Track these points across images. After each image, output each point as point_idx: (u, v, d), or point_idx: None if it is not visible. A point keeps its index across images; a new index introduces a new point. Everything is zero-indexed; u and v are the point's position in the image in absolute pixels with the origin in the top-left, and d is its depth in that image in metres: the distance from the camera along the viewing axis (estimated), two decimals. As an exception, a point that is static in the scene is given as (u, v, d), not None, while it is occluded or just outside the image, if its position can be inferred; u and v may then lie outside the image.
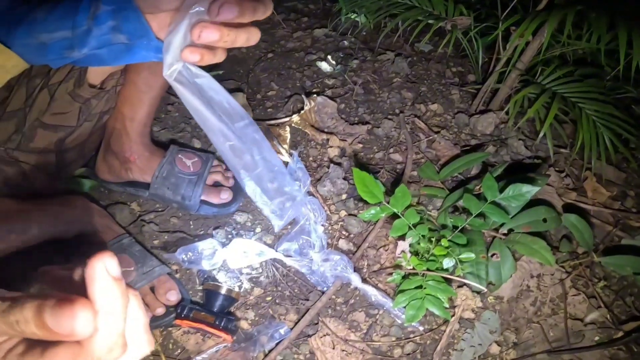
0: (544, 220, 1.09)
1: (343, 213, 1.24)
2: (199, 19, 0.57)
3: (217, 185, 1.25)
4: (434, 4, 1.59)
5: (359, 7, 1.76)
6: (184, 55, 0.59)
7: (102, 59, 0.70)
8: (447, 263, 1.02)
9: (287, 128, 1.44)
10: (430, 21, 1.55)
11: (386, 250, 1.17)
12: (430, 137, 1.44)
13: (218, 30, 0.56)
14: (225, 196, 1.22)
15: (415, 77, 1.67)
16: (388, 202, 1.04)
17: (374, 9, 1.68)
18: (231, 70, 1.63)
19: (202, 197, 1.20)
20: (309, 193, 1.25)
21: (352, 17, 1.81)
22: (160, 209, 1.23)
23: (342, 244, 1.19)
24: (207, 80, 0.67)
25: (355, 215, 1.23)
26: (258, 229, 1.22)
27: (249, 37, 0.60)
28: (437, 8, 1.58)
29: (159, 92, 1.12)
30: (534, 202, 1.12)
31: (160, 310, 1.02)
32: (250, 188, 1.02)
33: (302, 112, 1.47)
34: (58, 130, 1.02)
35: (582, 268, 1.19)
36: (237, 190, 1.25)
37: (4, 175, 0.99)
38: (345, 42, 1.80)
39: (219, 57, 0.61)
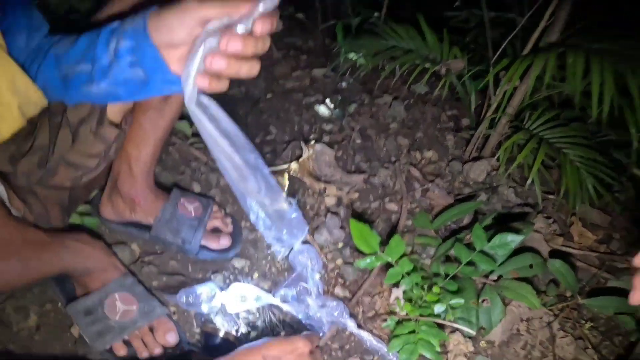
0: (531, 266, 1.22)
1: (339, 261, 1.37)
2: (211, 49, 0.71)
3: (216, 230, 1.35)
4: (430, 47, 1.72)
5: (358, 48, 1.87)
6: (197, 81, 0.72)
7: (119, 95, 0.80)
8: (439, 309, 1.15)
9: (285, 175, 1.57)
10: (426, 65, 1.69)
11: (381, 297, 1.29)
12: (425, 186, 1.58)
13: (226, 60, 0.71)
14: (225, 242, 1.33)
15: (411, 121, 1.81)
16: (383, 251, 1.17)
17: (372, 51, 1.80)
18: (230, 112, 1.72)
19: (202, 242, 1.30)
20: (306, 241, 1.37)
21: (351, 57, 1.91)
22: (159, 252, 1.33)
23: (338, 290, 1.31)
24: (216, 110, 0.80)
25: (351, 264, 1.35)
26: (256, 275, 1.33)
27: (251, 68, 0.74)
28: (433, 51, 1.72)
29: (164, 134, 1.20)
30: (521, 249, 1.26)
31: (158, 351, 1.11)
32: (254, 214, 1.13)
33: (301, 160, 1.60)
34: (79, 169, 1.10)
35: (569, 310, 1.32)
36: (236, 236, 1.36)
37: (29, 207, 1.07)
38: (344, 84, 1.91)
39: (223, 86, 0.75)
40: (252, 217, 1.14)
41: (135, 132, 1.18)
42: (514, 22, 1.60)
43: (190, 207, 1.33)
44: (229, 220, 1.39)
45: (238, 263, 1.35)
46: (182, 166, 1.55)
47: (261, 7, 0.68)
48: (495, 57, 1.57)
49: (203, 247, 1.32)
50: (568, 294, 1.34)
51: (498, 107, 1.57)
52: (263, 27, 0.70)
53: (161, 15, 0.72)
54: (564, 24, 1.41)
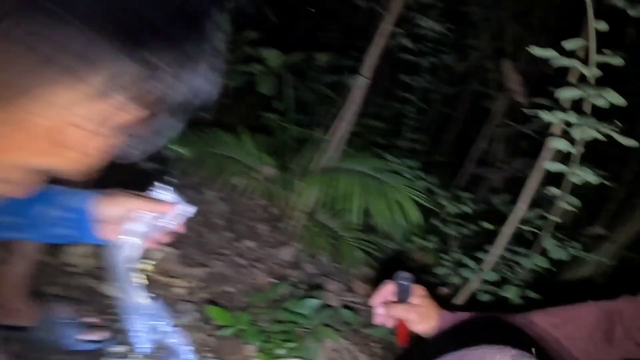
0: (330, 315, 1.92)
1: (202, 335, 1.88)
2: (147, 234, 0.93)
3: (93, 325, 1.60)
4: (249, 154, 2.34)
5: (186, 143, 2.30)
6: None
7: (39, 239, 0.95)
8: (281, 352, 1.76)
9: (141, 276, 2.03)
10: (246, 174, 2.31)
11: (240, 353, 1.84)
12: (250, 271, 2.17)
13: (160, 248, 1.03)
14: (103, 334, 1.59)
15: (233, 214, 2.39)
16: (236, 322, 1.75)
17: (197, 149, 2.29)
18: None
19: (82, 337, 1.55)
20: (173, 325, 1.86)
21: (177, 149, 2.31)
22: (39, 350, 1.50)
23: (207, 355, 1.82)
24: None
25: (213, 335, 1.88)
26: (140, 356, 1.76)
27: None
28: (252, 158, 2.35)
29: (43, 247, 1.40)
30: (324, 305, 1.95)
31: None
32: (133, 322, 1.55)
33: (153, 262, 2.08)
34: None
35: (362, 339, 2.02)
36: (113, 327, 1.66)
37: None
38: (173, 180, 2.35)
39: None
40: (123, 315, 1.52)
41: (16, 246, 1.33)
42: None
43: (65, 310, 1.58)
44: (102, 316, 1.69)
45: (119, 349, 1.67)
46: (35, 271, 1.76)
47: (180, 215, 0.93)
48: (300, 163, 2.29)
49: (83, 340, 1.56)
50: (358, 328, 2.05)
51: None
52: (179, 228, 0.94)
53: (101, 202, 0.89)
54: (343, 146, 2.17)
